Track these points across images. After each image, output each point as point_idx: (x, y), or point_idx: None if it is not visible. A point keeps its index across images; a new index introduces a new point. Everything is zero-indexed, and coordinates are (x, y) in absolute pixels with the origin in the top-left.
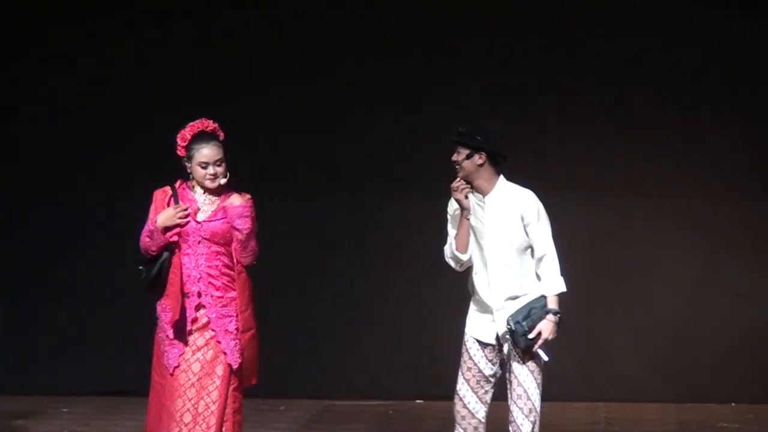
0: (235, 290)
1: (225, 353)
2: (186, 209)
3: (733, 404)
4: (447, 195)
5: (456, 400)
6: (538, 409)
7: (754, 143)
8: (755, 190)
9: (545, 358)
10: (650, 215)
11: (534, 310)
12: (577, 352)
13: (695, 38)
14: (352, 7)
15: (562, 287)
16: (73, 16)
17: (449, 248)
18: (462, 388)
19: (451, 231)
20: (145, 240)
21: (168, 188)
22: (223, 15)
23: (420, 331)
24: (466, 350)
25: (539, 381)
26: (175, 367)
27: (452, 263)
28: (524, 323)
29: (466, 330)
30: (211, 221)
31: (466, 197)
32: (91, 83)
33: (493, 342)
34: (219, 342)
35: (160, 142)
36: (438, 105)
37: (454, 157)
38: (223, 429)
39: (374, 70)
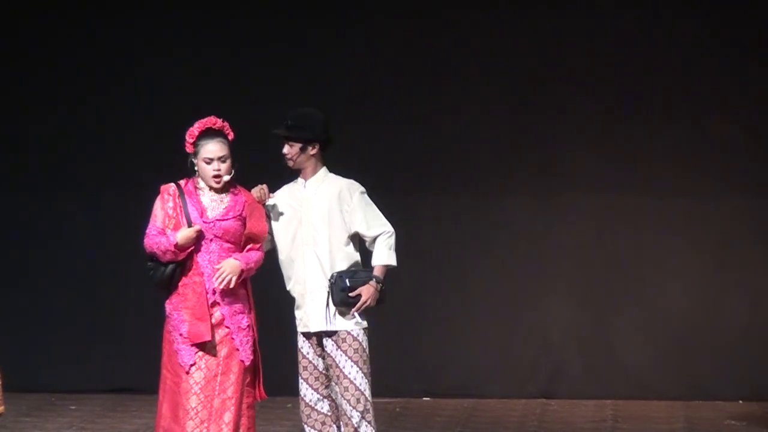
0: (244, 288)
1: (238, 350)
2: (199, 230)
3: (740, 402)
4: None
5: (299, 401)
6: (369, 398)
7: (760, 141)
8: (762, 188)
9: (363, 323)
10: (657, 214)
11: (360, 273)
12: (584, 350)
13: (698, 37)
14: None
15: (392, 261)
16: (80, 12)
17: None
18: (302, 388)
19: None
20: (152, 244)
21: (173, 185)
22: (241, 11)
23: (426, 328)
24: (299, 350)
25: (366, 371)
26: (191, 365)
27: None
28: (346, 279)
29: (297, 329)
30: (223, 220)
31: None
32: (102, 78)
33: (312, 330)
34: (233, 339)
35: (170, 137)
36: (438, 104)
37: (286, 151)
38: (240, 424)
39: (368, 71)
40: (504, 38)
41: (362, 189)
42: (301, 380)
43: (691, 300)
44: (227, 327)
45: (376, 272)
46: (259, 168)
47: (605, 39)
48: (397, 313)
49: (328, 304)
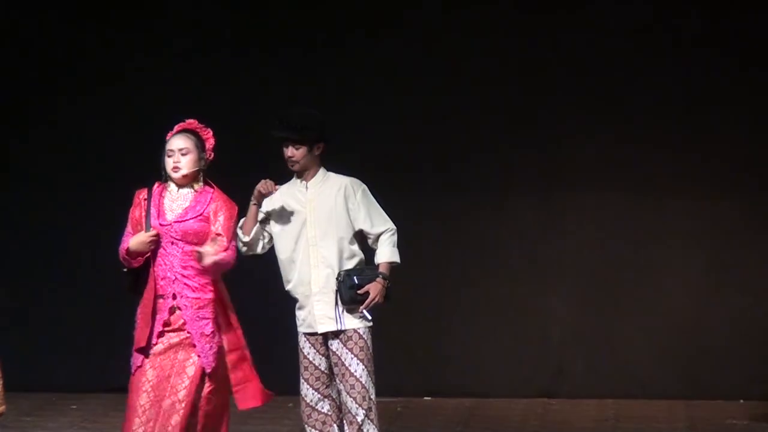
0: (212, 291)
1: (199, 356)
2: (155, 234)
3: (741, 401)
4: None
5: (300, 401)
6: (373, 397)
7: (761, 140)
8: (762, 187)
9: (368, 318)
10: (659, 213)
11: (366, 271)
12: (586, 349)
13: (698, 37)
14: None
15: (396, 258)
16: (81, 12)
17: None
18: (303, 388)
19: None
20: (120, 250)
21: (145, 190)
22: (242, 12)
23: (428, 328)
24: (300, 350)
25: (371, 369)
26: (138, 367)
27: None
28: (354, 277)
29: (298, 329)
30: (181, 221)
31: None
32: (104, 78)
33: (319, 331)
34: (193, 345)
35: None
36: (439, 105)
37: (290, 154)
38: (197, 430)
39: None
40: (505, 38)
41: (364, 186)
42: (302, 380)
43: (692, 299)
44: (188, 332)
45: (382, 269)
46: (258, 168)
47: (605, 39)
48: (399, 312)
49: (336, 304)
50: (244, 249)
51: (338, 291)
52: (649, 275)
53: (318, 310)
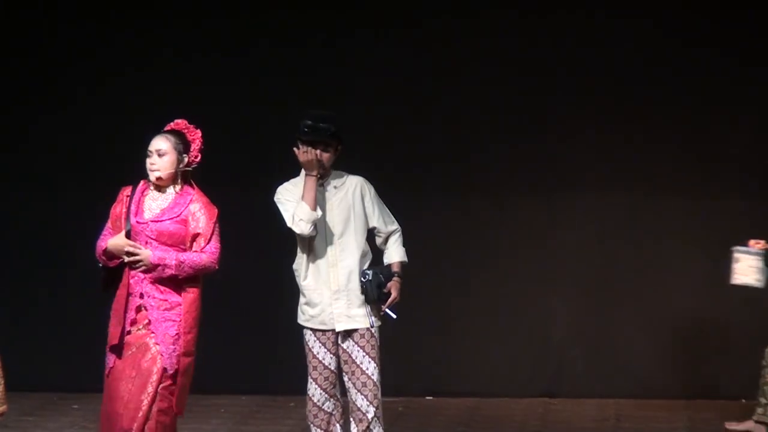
0: (180, 297)
1: (161, 355)
2: (139, 249)
3: (743, 401)
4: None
5: (306, 401)
6: (380, 396)
7: (761, 140)
8: (762, 187)
9: (393, 316)
10: (660, 213)
11: (386, 269)
12: (587, 349)
13: (698, 37)
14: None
15: (405, 258)
16: (81, 12)
17: (300, 212)
18: (310, 388)
19: (291, 204)
20: (100, 248)
21: (130, 187)
22: (244, 11)
23: (429, 328)
24: (309, 349)
25: (380, 368)
26: (111, 368)
27: (302, 227)
28: (380, 275)
29: (302, 323)
30: (157, 221)
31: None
32: (105, 78)
33: (331, 328)
34: (157, 344)
35: None
36: (440, 105)
37: (318, 157)
38: (146, 427)
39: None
40: (505, 38)
41: (371, 185)
42: (310, 380)
43: (692, 299)
44: (153, 332)
45: (395, 269)
46: (257, 168)
47: (605, 39)
48: (400, 312)
49: (364, 302)
50: (310, 228)
51: (365, 289)
52: (650, 275)
53: (336, 308)
